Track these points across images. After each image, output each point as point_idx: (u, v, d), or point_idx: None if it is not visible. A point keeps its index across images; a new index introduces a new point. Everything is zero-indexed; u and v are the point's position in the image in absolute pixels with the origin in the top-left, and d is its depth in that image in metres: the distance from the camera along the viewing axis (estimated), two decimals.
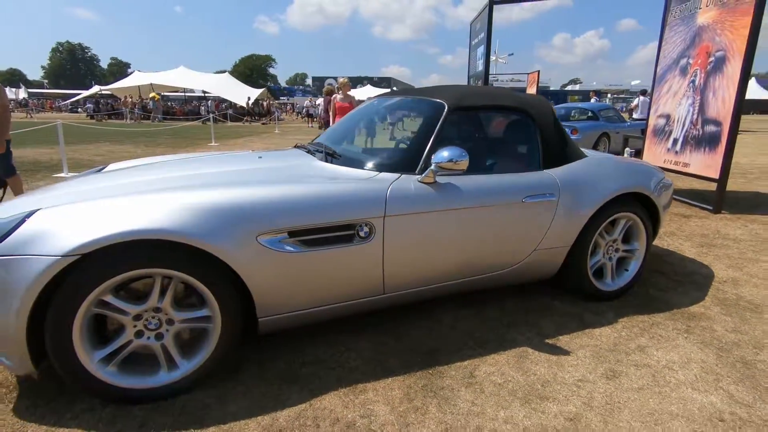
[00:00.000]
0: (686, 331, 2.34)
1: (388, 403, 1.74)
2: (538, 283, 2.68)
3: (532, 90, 17.50)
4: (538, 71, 16.67)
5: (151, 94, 24.21)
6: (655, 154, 5.92)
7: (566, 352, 2.12)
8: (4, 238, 1.51)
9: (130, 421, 1.62)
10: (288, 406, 1.71)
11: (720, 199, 4.82)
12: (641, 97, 14.67)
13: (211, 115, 13.87)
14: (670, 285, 2.91)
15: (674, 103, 5.59)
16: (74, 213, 1.59)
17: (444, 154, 1.99)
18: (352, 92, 8.76)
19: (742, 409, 1.74)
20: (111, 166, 2.74)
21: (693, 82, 5.24)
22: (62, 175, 7.02)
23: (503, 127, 2.46)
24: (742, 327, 2.38)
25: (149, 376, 1.72)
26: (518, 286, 2.74)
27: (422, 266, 2.11)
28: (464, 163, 1.96)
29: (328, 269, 1.89)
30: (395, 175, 2.07)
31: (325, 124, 10.20)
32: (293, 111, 39.85)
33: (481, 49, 6.91)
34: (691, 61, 5.30)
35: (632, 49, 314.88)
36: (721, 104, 4.76)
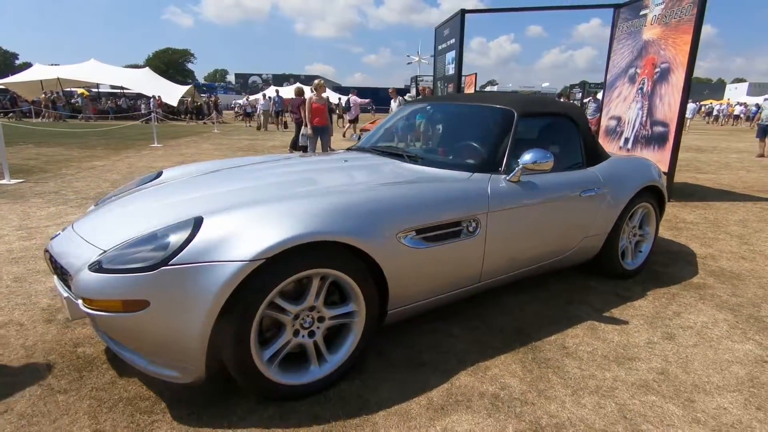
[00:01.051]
0: (700, 298, 2.85)
1: (515, 376, 1.99)
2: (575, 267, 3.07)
3: (470, 90, 18.50)
4: (476, 74, 17.64)
5: (80, 90, 21.81)
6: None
7: (624, 322, 2.51)
8: (184, 247, 1.52)
9: (301, 416, 1.70)
10: (433, 387, 1.89)
11: (670, 189, 5.66)
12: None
13: (153, 114, 12.91)
14: (668, 262, 3.47)
15: (624, 106, 6.41)
16: (241, 219, 1.63)
17: (527, 156, 2.27)
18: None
19: None
20: (168, 173, 2.66)
21: (641, 89, 6.07)
22: (4, 182, 6.27)
23: (554, 130, 2.80)
24: (737, 292, 2.96)
25: (302, 372, 1.80)
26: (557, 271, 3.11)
27: (511, 255, 2.37)
28: (549, 165, 2.25)
29: (443, 262, 2.09)
30: (487, 176, 2.31)
31: (297, 124, 10.04)
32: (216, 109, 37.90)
33: (450, 54, 7.33)
34: (639, 70, 6.13)
35: (539, 53, 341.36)
36: (668, 108, 5.59)
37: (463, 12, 6.68)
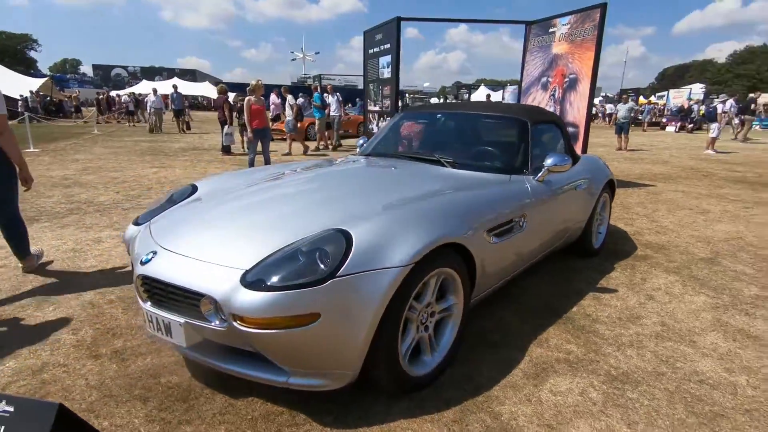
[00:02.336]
0: (651, 266, 3.63)
1: (570, 342, 2.40)
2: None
3: None
4: None
5: None
6: None
7: (615, 290, 3.12)
8: (346, 257, 1.59)
9: (434, 402, 1.88)
10: (519, 361, 2.21)
11: None
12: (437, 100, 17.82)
13: (26, 115, 10.80)
14: (613, 241, 4.27)
15: None
16: (377, 229, 1.74)
17: (550, 160, 2.70)
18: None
19: (719, 299, 3.00)
20: (203, 188, 2.54)
21: (553, 95, 7.11)
22: None
23: (550, 135, 3.29)
24: (670, 259, 3.81)
25: (420, 364, 1.97)
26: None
27: (540, 242, 2.79)
28: (567, 167, 2.71)
29: (506, 254, 2.41)
30: (522, 177, 2.69)
31: (221, 124, 9.43)
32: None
33: (385, 59, 7.66)
34: (550, 80, 7.16)
35: (417, 55, 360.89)
36: (577, 112, 6.66)
37: (398, 19, 7.05)
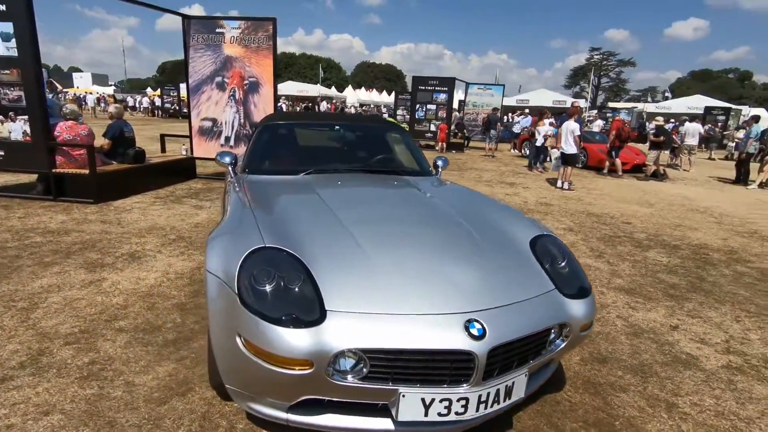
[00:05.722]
0: None
1: None
2: None
3: None
4: None
5: None
6: (208, 148, 7.47)
7: None
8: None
9: None
10: None
11: None
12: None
13: None
14: None
15: (218, 110, 7.35)
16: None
17: (440, 162, 3.69)
18: None
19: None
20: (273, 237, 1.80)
21: (233, 96, 7.27)
22: None
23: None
24: None
25: None
26: None
27: None
28: (447, 166, 3.78)
29: None
30: (435, 176, 3.48)
31: None
32: None
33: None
34: (227, 80, 7.23)
35: None
36: (263, 112, 7.23)
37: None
